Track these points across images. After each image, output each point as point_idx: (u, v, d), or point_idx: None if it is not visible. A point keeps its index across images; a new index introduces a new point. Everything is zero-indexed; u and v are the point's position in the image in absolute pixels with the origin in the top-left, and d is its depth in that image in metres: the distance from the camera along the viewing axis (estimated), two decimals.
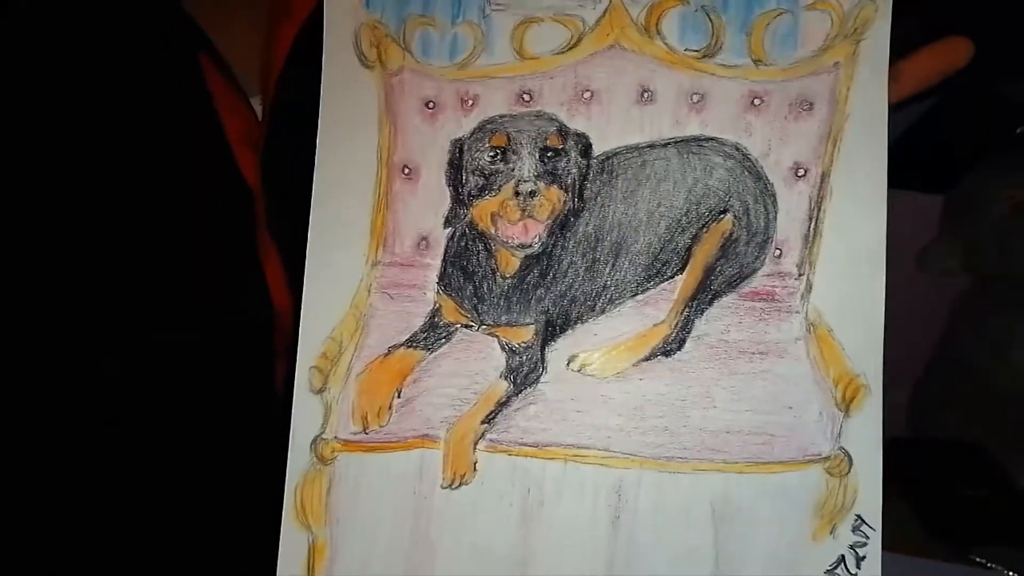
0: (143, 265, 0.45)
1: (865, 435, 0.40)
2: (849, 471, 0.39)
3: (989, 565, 0.65)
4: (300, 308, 0.42)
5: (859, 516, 0.39)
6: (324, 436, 0.42)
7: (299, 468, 0.41)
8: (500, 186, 0.42)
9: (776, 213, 0.41)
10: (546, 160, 0.42)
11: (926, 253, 0.80)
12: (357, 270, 0.43)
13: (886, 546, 0.67)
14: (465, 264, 0.42)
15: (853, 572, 0.39)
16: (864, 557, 0.39)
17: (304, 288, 0.43)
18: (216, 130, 0.47)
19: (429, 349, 0.42)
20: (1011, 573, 0.64)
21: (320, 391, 0.42)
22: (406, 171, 0.43)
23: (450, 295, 0.42)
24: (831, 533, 0.39)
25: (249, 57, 0.49)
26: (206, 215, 0.46)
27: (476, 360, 0.42)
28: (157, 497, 0.45)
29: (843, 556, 0.39)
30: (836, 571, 0.39)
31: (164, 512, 0.45)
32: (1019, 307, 0.75)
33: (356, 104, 0.43)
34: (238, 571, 0.42)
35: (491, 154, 0.42)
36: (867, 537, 0.39)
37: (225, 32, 0.48)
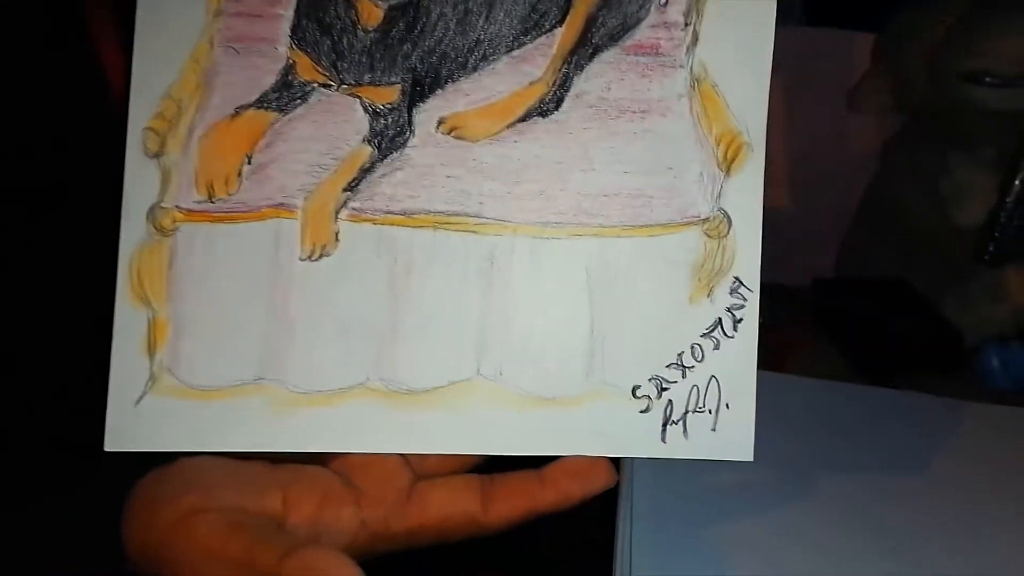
0: None
1: (745, 195, 0.38)
2: (728, 232, 0.38)
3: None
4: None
5: (737, 278, 0.38)
6: (163, 205, 0.37)
7: (134, 239, 0.37)
8: None
9: None
10: None
11: (857, 91, 0.79)
12: (196, 20, 0.37)
13: (810, 373, 0.69)
14: (321, 15, 0.38)
15: (729, 335, 0.38)
16: (741, 320, 0.38)
17: (135, 40, 0.37)
18: None
19: (282, 110, 0.38)
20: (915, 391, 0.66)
21: (156, 155, 0.37)
22: None
23: (305, 50, 0.38)
24: (708, 296, 0.38)
25: None
26: None
27: (336, 123, 0.38)
28: None
29: (720, 319, 0.38)
30: (712, 334, 0.38)
31: None
32: (949, 139, 0.75)
33: None
34: (72, 354, 0.38)
35: None
36: (744, 299, 0.38)
37: None
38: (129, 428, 0.37)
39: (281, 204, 0.38)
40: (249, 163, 0.38)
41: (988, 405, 0.65)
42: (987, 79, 0.69)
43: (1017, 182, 0.70)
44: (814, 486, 0.52)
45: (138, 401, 0.37)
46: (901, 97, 0.78)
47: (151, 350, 0.37)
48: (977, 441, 0.60)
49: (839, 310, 0.77)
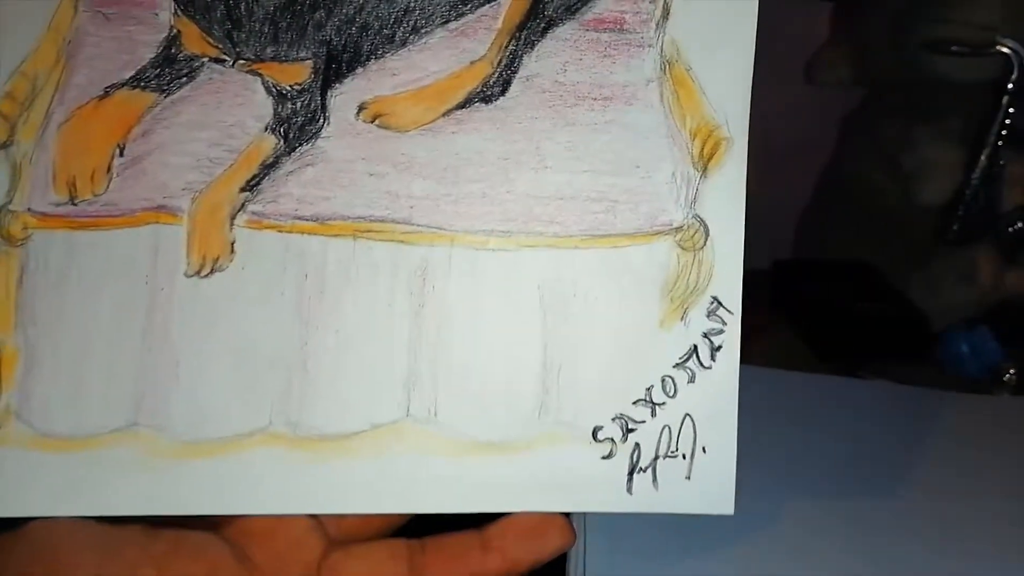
0: None
1: (724, 200, 0.32)
2: (705, 243, 0.32)
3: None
4: None
5: (715, 298, 0.32)
6: (11, 207, 0.30)
7: None
8: None
9: None
10: None
11: (815, 62, 0.75)
12: None
13: (770, 360, 0.64)
14: None
15: (707, 365, 0.32)
16: (720, 347, 0.32)
17: None
18: None
19: (164, 91, 0.31)
20: (881, 380, 0.61)
21: (4, 146, 0.30)
22: None
23: (192, 17, 0.31)
24: (682, 319, 0.32)
25: None
26: None
27: (231, 107, 0.31)
28: None
29: (695, 347, 0.32)
30: (687, 365, 0.32)
31: None
32: (911, 113, 0.71)
33: None
34: None
35: None
36: (724, 323, 0.32)
37: None
38: None
39: (161, 207, 0.30)
40: (121, 155, 0.30)
41: (958, 394, 0.61)
42: (953, 48, 0.65)
43: (983, 157, 0.67)
44: (783, 492, 0.48)
45: None
46: (862, 68, 0.74)
47: None
48: (948, 432, 0.57)
49: (800, 294, 0.73)
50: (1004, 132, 0.67)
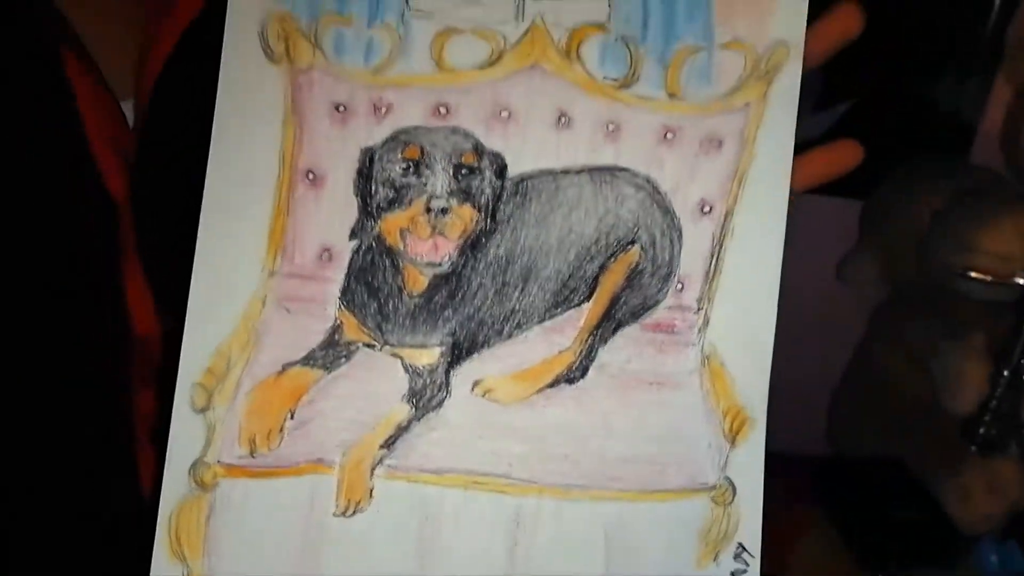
0: None
1: (748, 465, 0.42)
2: (732, 500, 0.42)
3: None
4: (168, 331, 0.39)
5: (740, 544, 0.41)
6: (205, 460, 0.38)
7: (175, 496, 0.38)
8: (411, 200, 0.40)
9: (681, 248, 0.42)
10: (460, 177, 0.40)
11: (845, 264, 0.80)
12: (252, 279, 0.39)
13: (805, 572, 0.67)
14: (370, 280, 0.40)
15: None
16: None
17: (190, 297, 0.39)
18: (77, 132, 0.41)
19: (327, 368, 0.40)
20: None
21: (203, 410, 0.39)
22: (311, 177, 0.40)
23: (353, 312, 0.40)
24: (714, 560, 0.41)
25: (121, 57, 0.43)
26: (59, 230, 0.40)
27: (377, 381, 0.40)
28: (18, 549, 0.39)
29: None
30: None
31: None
32: (938, 318, 0.76)
33: (259, 100, 0.39)
34: None
35: (403, 166, 0.40)
36: (747, 565, 0.41)
37: (94, 28, 0.42)
38: None
39: (320, 460, 0.39)
40: (291, 419, 0.39)
41: None
42: (973, 275, 0.71)
43: (1006, 372, 0.72)
44: None
45: None
46: (887, 271, 0.79)
47: None
48: None
49: (839, 495, 0.76)
50: None
